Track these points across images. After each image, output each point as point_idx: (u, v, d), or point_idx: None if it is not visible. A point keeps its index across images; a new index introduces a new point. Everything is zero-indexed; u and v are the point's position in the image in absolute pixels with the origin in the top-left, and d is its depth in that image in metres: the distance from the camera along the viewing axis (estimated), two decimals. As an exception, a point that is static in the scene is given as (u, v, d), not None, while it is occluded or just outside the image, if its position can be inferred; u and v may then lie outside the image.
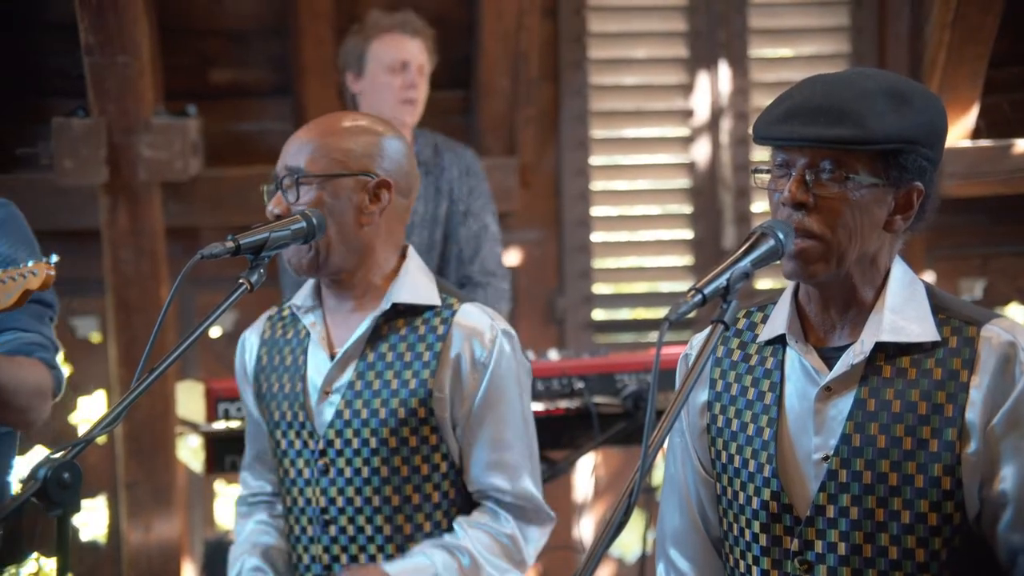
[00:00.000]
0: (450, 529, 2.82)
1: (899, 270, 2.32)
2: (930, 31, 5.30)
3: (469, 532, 2.79)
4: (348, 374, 2.79)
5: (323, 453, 2.79)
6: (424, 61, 4.44)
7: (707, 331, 2.13)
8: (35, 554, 2.12)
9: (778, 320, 2.35)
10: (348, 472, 2.78)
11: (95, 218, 4.97)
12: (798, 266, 2.23)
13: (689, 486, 2.47)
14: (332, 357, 2.81)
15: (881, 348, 2.26)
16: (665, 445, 2.42)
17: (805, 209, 2.21)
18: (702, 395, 2.42)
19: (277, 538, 2.93)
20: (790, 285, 2.37)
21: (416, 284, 2.81)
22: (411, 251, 2.86)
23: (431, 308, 2.81)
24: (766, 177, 2.29)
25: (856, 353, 2.26)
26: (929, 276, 5.63)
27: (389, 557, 2.78)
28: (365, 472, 2.77)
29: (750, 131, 5.60)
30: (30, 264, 2.70)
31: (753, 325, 2.41)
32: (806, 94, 2.26)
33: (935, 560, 2.24)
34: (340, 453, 2.78)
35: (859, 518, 2.25)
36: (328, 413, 2.79)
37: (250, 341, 2.96)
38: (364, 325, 2.78)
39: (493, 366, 2.78)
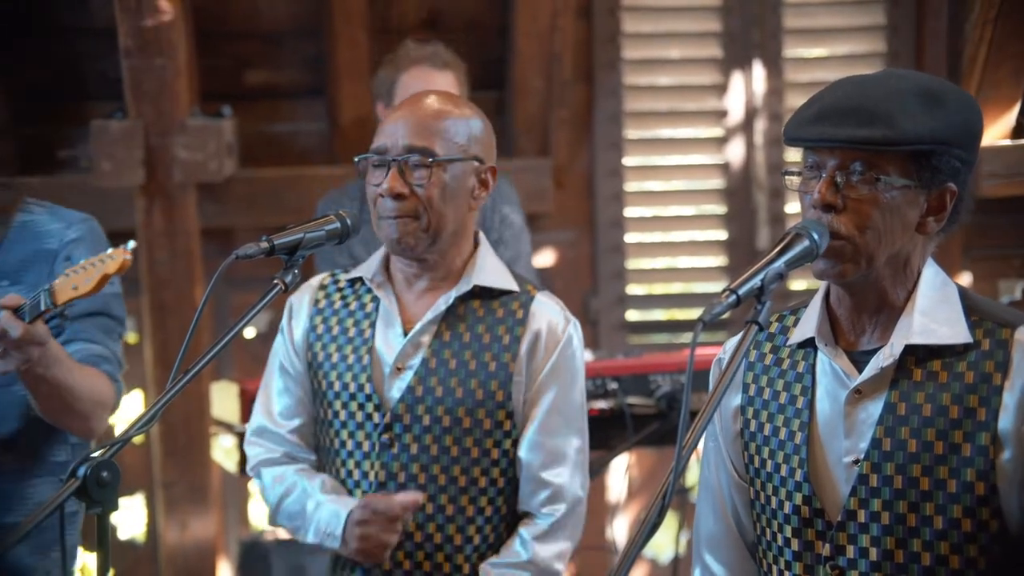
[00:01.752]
0: (511, 517, 2.84)
1: (930, 272, 2.30)
2: (971, 28, 5.27)
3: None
4: (422, 352, 2.81)
5: (388, 427, 2.80)
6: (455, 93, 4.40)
7: (741, 334, 2.13)
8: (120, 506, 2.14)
9: (808, 323, 2.34)
10: (415, 448, 2.79)
11: (132, 219, 5.00)
12: (828, 266, 2.22)
13: (723, 490, 2.47)
14: (405, 333, 2.83)
15: (912, 351, 2.24)
16: (700, 448, 2.42)
17: (835, 210, 2.20)
18: (735, 399, 2.42)
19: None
20: (821, 288, 2.36)
21: (496, 269, 2.87)
22: (483, 237, 2.91)
23: (508, 293, 2.85)
24: (797, 179, 2.28)
25: (886, 356, 2.24)
26: (967, 277, 5.60)
27: (448, 538, 2.79)
28: (434, 450, 2.78)
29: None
30: (109, 251, 2.73)
31: (785, 329, 2.40)
32: (837, 95, 2.25)
33: (972, 568, 2.21)
34: (408, 429, 2.79)
35: (891, 523, 2.24)
36: (399, 388, 2.81)
37: (301, 309, 2.96)
38: (442, 303, 2.82)
39: (559, 352, 2.82)
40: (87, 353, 3.02)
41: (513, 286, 2.86)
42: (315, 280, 2.99)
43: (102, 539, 2.16)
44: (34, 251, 3.05)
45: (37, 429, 3.03)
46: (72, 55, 5.14)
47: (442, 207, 2.77)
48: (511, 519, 2.85)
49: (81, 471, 2.11)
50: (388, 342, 2.84)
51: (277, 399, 2.97)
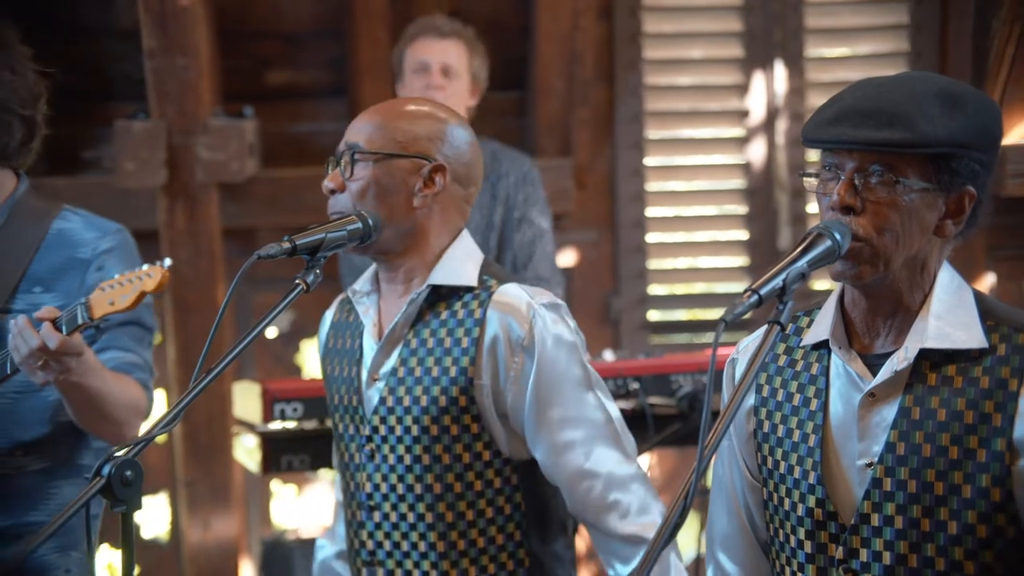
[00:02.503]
0: (495, 519, 2.79)
1: (946, 275, 2.28)
2: (998, 25, 5.24)
3: None
4: (392, 360, 2.79)
5: (369, 439, 2.80)
6: (452, 61, 4.38)
7: (757, 333, 2.12)
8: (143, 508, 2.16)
9: (822, 325, 2.33)
10: (392, 459, 2.77)
11: (155, 219, 5.02)
12: (845, 267, 2.21)
13: (736, 490, 2.47)
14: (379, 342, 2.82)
15: (926, 355, 2.23)
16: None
17: (853, 212, 2.20)
18: (749, 400, 2.41)
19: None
20: (835, 290, 2.35)
21: (456, 266, 2.78)
22: (464, 234, 2.84)
23: (470, 291, 2.78)
24: (815, 181, 2.27)
25: (900, 360, 2.23)
26: (990, 277, 5.58)
27: (431, 545, 2.77)
28: (407, 459, 2.76)
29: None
30: (145, 267, 2.77)
31: (799, 330, 2.39)
32: (856, 97, 2.23)
33: (987, 574, 2.19)
34: (384, 440, 2.78)
35: (904, 527, 2.22)
36: (375, 399, 2.79)
37: (324, 323, 2.99)
38: (403, 309, 2.78)
39: (539, 347, 2.73)
40: (121, 361, 3.06)
41: (471, 281, 2.77)
42: (340, 296, 3.00)
43: (126, 537, 2.18)
44: (68, 259, 3.09)
45: (62, 433, 3.07)
46: (96, 56, 5.16)
47: (372, 203, 2.73)
48: (499, 522, 2.80)
49: (106, 470, 2.13)
50: (368, 353, 2.83)
51: None
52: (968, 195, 2.23)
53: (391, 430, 2.77)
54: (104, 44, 5.23)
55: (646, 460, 5.45)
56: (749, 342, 2.46)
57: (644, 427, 4.10)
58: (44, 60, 3.05)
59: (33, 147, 3.12)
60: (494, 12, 5.32)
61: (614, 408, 2.81)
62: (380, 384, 2.79)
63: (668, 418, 4.14)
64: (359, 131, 2.78)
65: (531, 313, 2.73)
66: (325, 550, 3.10)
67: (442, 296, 2.78)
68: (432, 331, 2.77)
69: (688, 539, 5.31)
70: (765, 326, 2.09)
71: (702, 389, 4.12)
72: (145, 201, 5.05)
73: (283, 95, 5.49)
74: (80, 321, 2.78)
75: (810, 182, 2.28)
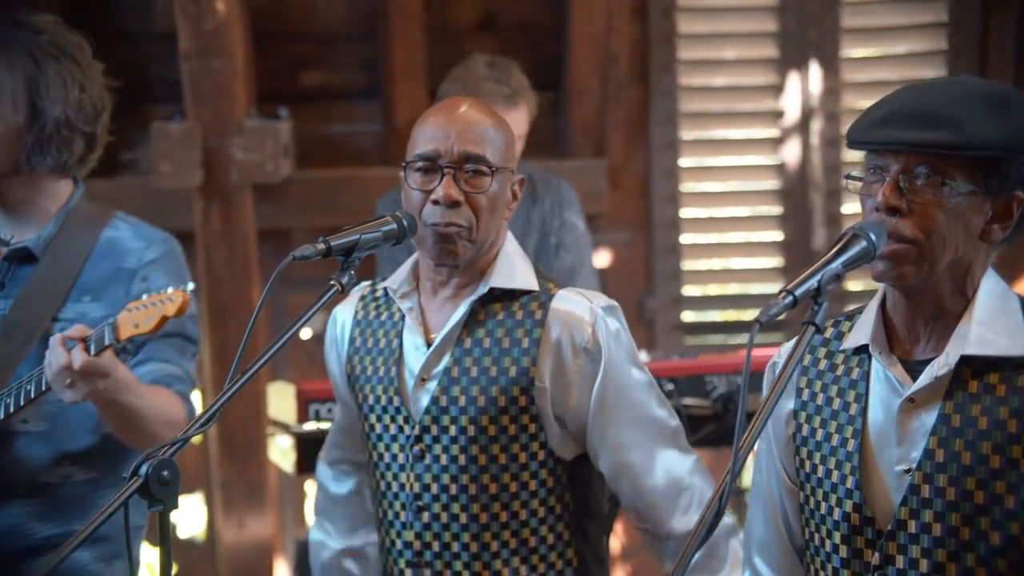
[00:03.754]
0: (546, 518, 2.80)
1: (990, 282, 2.26)
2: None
3: None
4: (445, 360, 2.77)
5: (419, 439, 2.78)
6: (523, 130, 4.30)
7: (798, 337, 2.12)
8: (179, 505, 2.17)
9: (864, 329, 2.31)
10: (444, 459, 2.76)
11: (190, 220, 5.05)
12: (888, 267, 2.20)
13: (774, 495, 2.46)
14: (429, 344, 2.79)
15: (968, 362, 2.21)
16: (755, 449, 2.41)
17: (899, 214, 2.18)
18: (788, 403, 2.40)
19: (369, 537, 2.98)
20: (877, 295, 2.33)
21: (514, 268, 2.80)
22: (509, 235, 2.84)
23: (528, 293, 2.78)
24: (858, 183, 2.26)
25: (940, 366, 2.21)
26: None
27: (483, 545, 2.77)
28: (462, 460, 2.75)
29: (842, 132, 5.54)
30: (169, 291, 2.77)
31: (840, 334, 2.37)
32: (903, 100, 2.22)
33: None
34: (436, 440, 2.77)
35: (943, 535, 2.20)
36: (424, 399, 2.78)
37: (342, 320, 2.96)
38: (461, 310, 2.76)
39: (605, 354, 2.74)
40: (162, 373, 3.06)
41: (532, 285, 2.78)
42: (356, 291, 2.97)
43: (164, 536, 2.19)
44: (115, 269, 3.09)
45: (108, 443, 3.08)
46: (133, 59, 5.19)
47: (489, 217, 2.74)
48: (550, 521, 2.81)
49: (143, 470, 2.14)
50: (413, 353, 2.81)
51: (337, 415, 3.04)
52: (1017, 200, 2.21)
53: (444, 430, 2.76)
54: (141, 47, 5.26)
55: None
56: (790, 346, 2.45)
57: (679, 428, 4.10)
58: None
59: (91, 159, 3.15)
60: (528, 13, 5.32)
61: (666, 403, 2.85)
62: (431, 384, 2.78)
63: (703, 419, 4.14)
64: (474, 141, 2.72)
65: (594, 318, 2.75)
66: (328, 548, 3.07)
67: (497, 297, 2.78)
68: (488, 331, 2.77)
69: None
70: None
71: (736, 390, 4.11)
72: (181, 202, 5.08)
73: (317, 96, 5.51)
74: (107, 342, 2.78)
75: (854, 184, 2.27)
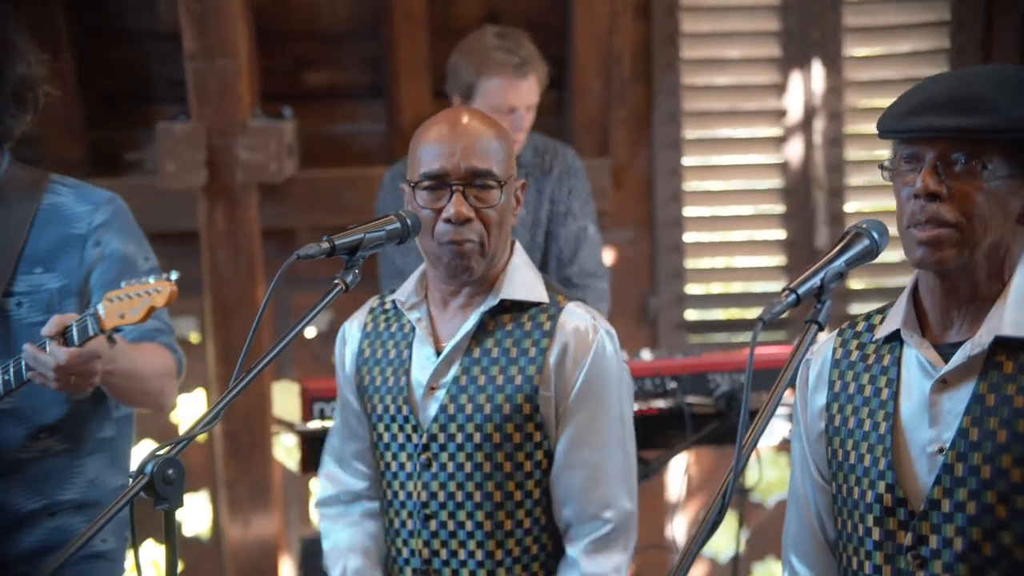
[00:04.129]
0: (547, 526, 2.81)
1: None
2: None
3: None
4: (454, 370, 2.79)
5: (426, 447, 2.79)
6: (534, 100, 4.36)
7: (802, 334, 2.11)
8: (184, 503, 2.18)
9: (895, 317, 2.31)
10: (451, 467, 2.78)
11: (195, 220, 5.05)
12: (929, 252, 2.19)
13: (808, 493, 2.45)
14: (438, 353, 2.81)
15: (1002, 344, 2.21)
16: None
17: (938, 199, 2.17)
18: (820, 399, 2.40)
19: (377, 539, 2.95)
20: (908, 284, 2.33)
21: (526, 280, 2.81)
22: (517, 246, 2.86)
23: (537, 304, 2.80)
24: (888, 174, 2.26)
25: (975, 345, 2.21)
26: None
27: (488, 553, 2.78)
28: (468, 467, 2.77)
29: (845, 131, 5.51)
30: (152, 281, 2.75)
31: (872, 327, 2.38)
32: (936, 87, 2.21)
33: None
34: (443, 448, 2.78)
35: (977, 513, 2.19)
36: (433, 408, 2.79)
37: (351, 334, 2.96)
38: (472, 320, 2.78)
39: (590, 363, 2.76)
40: (143, 330, 3.02)
41: (543, 298, 2.80)
42: (366, 305, 2.98)
43: (169, 534, 2.19)
44: (63, 236, 3.04)
45: (80, 410, 3.06)
46: (137, 59, 5.20)
47: (499, 230, 2.76)
48: (552, 529, 2.83)
49: (148, 468, 2.14)
50: (422, 362, 2.82)
51: (339, 427, 3.01)
52: None
53: (451, 438, 2.77)
54: (145, 47, 5.27)
55: (684, 459, 5.44)
56: (820, 347, 2.45)
57: (682, 426, 4.10)
58: (87, 64, 3.08)
59: (19, 132, 3.06)
60: (532, 13, 5.32)
61: (632, 448, 2.85)
62: (440, 393, 2.79)
63: (705, 417, 4.14)
64: (479, 156, 2.73)
65: (597, 335, 2.78)
66: (348, 531, 3.00)
67: (506, 308, 2.80)
68: (496, 341, 2.78)
69: (727, 538, 5.31)
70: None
71: (739, 388, 4.11)
72: (186, 202, 5.08)
73: (322, 96, 5.51)
74: (91, 333, 2.76)
75: (884, 174, 2.27)
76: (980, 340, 2.21)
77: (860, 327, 2.39)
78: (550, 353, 2.76)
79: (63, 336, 2.77)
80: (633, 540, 2.84)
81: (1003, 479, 2.17)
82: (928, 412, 2.25)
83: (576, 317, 2.79)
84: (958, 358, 2.22)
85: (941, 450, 2.23)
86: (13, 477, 3.02)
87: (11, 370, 2.87)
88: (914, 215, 2.20)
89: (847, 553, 2.36)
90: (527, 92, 4.31)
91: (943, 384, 2.24)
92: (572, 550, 2.80)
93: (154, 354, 3.04)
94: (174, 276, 2.75)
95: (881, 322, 2.36)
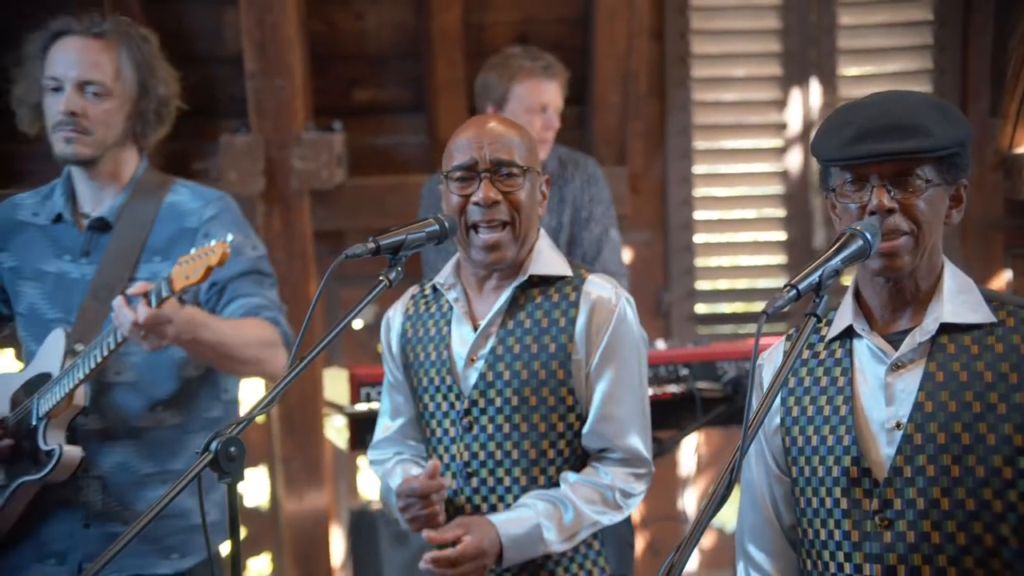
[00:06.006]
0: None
1: (950, 265, 2.37)
2: (1014, 45, 5.25)
3: (572, 484, 2.79)
4: (491, 342, 2.81)
5: (467, 412, 2.81)
6: (560, 103, 4.40)
7: (777, 345, 2.13)
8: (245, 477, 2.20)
9: (844, 317, 2.38)
10: (490, 429, 2.80)
11: (254, 223, 5.05)
12: (888, 262, 2.28)
13: (763, 483, 2.48)
14: (475, 328, 2.83)
15: (944, 330, 2.30)
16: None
17: (891, 213, 2.26)
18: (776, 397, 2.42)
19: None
20: (850, 288, 2.41)
21: (550, 258, 2.85)
22: (542, 232, 2.89)
23: (562, 279, 2.83)
24: (834, 194, 2.33)
25: (923, 332, 2.30)
26: (1007, 274, 5.51)
27: None
28: (506, 428, 2.79)
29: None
30: (212, 243, 2.81)
31: (818, 330, 2.43)
32: (867, 115, 2.30)
33: (1012, 511, 2.24)
34: (483, 412, 2.80)
35: (936, 475, 2.26)
36: (473, 377, 2.81)
37: (394, 319, 2.98)
38: (504, 296, 2.81)
39: (612, 327, 2.79)
40: (249, 306, 3.15)
41: (567, 271, 2.84)
42: (407, 293, 3.01)
43: (232, 505, 2.21)
44: (179, 229, 3.17)
45: (191, 388, 3.17)
46: (204, 80, 5.21)
47: (528, 212, 2.79)
48: None
49: (213, 446, 2.17)
50: (462, 337, 2.85)
51: (386, 404, 3.03)
52: (963, 186, 2.34)
53: (490, 402, 2.80)
54: (211, 69, 5.28)
55: (694, 439, 5.43)
56: (770, 352, 2.52)
57: (693, 409, 4.10)
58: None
59: (158, 135, 3.26)
60: (557, 35, 5.31)
61: (647, 402, 2.88)
62: (479, 364, 2.81)
63: (714, 401, 4.13)
64: (503, 148, 2.77)
65: (618, 301, 2.82)
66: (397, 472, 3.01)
67: (534, 283, 2.83)
68: (528, 314, 2.81)
69: (734, 510, 5.28)
70: (782, 337, 2.10)
71: (745, 374, 4.10)
72: (246, 206, 5.06)
73: (368, 111, 5.51)
74: (165, 294, 2.84)
75: (832, 196, 2.34)
76: (927, 327, 2.31)
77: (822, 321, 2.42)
78: (577, 320, 2.79)
79: (146, 297, 2.85)
80: (649, 481, 2.86)
81: (956, 443, 2.26)
82: (883, 393, 2.33)
83: (598, 287, 2.83)
84: (908, 344, 2.31)
85: (898, 425, 2.30)
86: (133, 442, 3.13)
87: (117, 332, 2.95)
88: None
89: (813, 528, 2.38)
90: (555, 93, 4.34)
91: (896, 368, 2.32)
92: (603, 465, 2.82)
93: (253, 327, 3.11)
94: (229, 238, 2.82)
95: (828, 324, 2.43)
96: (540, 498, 2.77)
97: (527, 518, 2.75)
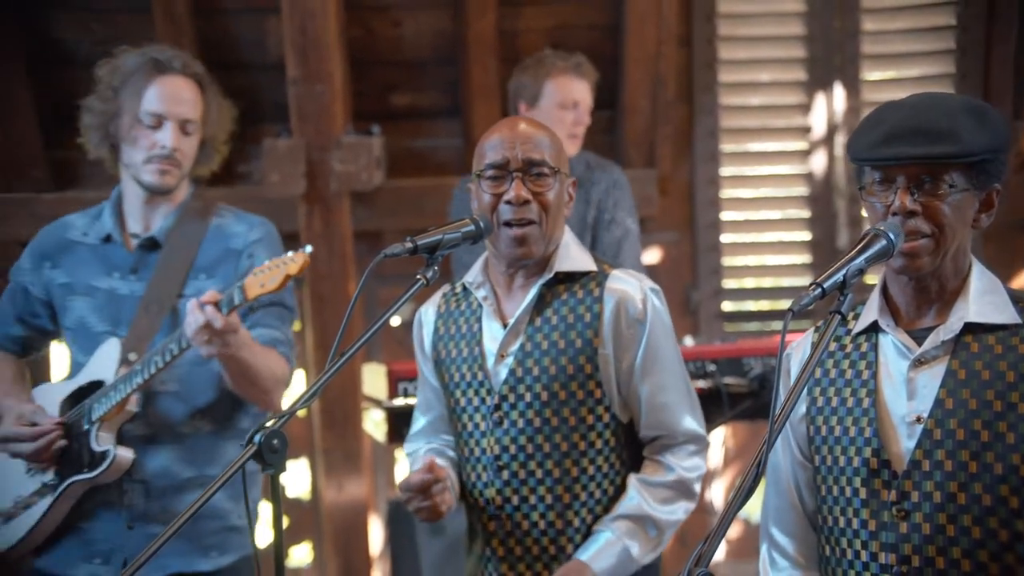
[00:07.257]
0: (608, 473, 2.82)
1: (978, 267, 2.35)
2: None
3: (644, 494, 2.80)
4: (520, 338, 2.81)
5: (498, 407, 2.81)
6: (590, 101, 4.43)
7: (803, 338, 2.12)
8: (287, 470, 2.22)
9: (869, 312, 2.37)
10: (520, 423, 2.79)
11: (296, 223, 5.07)
12: (908, 262, 2.26)
13: (788, 468, 2.48)
14: (504, 325, 2.83)
15: (968, 329, 2.28)
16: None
17: (914, 215, 2.24)
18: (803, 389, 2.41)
19: (451, 461, 2.96)
20: (878, 283, 2.39)
21: (575, 254, 2.84)
22: (567, 229, 2.88)
23: (586, 274, 2.83)
24: (864, 192, 2.31)
25: (947, 330, 2.28)
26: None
27: (557, 498, 2.79)
28: (536, 422, 2.78)
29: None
30: (290, 254, 2.87)
31: (845, 323, 2.42)
32: (899, 117, 2.27)
33: None
34: (513, 406, 2.80)
35: (954, 469, 2.24)
36: (503, 372, 2.81)
37: (427, 316, 2.99)
38: (532, 293, 2.81)
39: (650, 322, 2.80)
40: (268, 337, 3.19)
41: (591, 267, 2.84)
42: (438, 292, 3.02)
43: (275, 495, 2.22)
44: (224, 250, 3.24)
45: (228, 400, 3.21)
46: (248, 86, 5.23)
47: (556, 213, 2.78)
48: (613, 476, 2.84)
49: (257, 438, 2.19)
50: (492, 334, 2.85)
51: (420, 399, 3.05)
52: (996, 191, 2.31)
53: (520, 397, 2.79)
54: (255, 75, 5.30)
55: (721, 433, 5.41)
56: (799, 342, 2.52)
57: (719, 404, 4.08)
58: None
59: (207, 168, 3.37)
60: (588, 42, 5.30)
61: (689, 380, 2.90)
62: (509, 360, 2.81)
63: (741, 396, 4.12)
64: (535, 149, 2.76)
65: (644, 294, 2.81)
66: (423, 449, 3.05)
67: (560, 280, 2.82)
68: (555, 310, 2.80)
69: (759, 502, 5.26)
70: (811, 329, 2.09)
71: (771, 371, 4.09)
72: (288, 208, 5.11)
73: (405, 115, 5.52)
74: (237, 302, 2.90)
75: (861, 194, 2.32)
76: (951, 326, 2.29)
77: (847, 318, 2.43)
78: (603, 315, 2.78)
79: (216, 305, 2.91)
80: (708, 452, 2.89)
81: (975, 439, 2.24)
82: (906, 388, 2.31)
83: (622, 281, 2.82)
84: (932, 340, 2.30)
85: (919, 419, 2.29)
86: (174, 448, 3.18)
87: (181, 338, 3.00)
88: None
89: (833, 515, 2.38)
90: (585, 90, 4.37)
91: (919, 363, 2.31)
92: (662, 456, 2.84)
93: (273, 359, 3.16)
94: (308, 249, 2.86)
95: (855, 319, 2.42)
96: (620, 518, 2.78)
97: (612, 543, 2.77)
